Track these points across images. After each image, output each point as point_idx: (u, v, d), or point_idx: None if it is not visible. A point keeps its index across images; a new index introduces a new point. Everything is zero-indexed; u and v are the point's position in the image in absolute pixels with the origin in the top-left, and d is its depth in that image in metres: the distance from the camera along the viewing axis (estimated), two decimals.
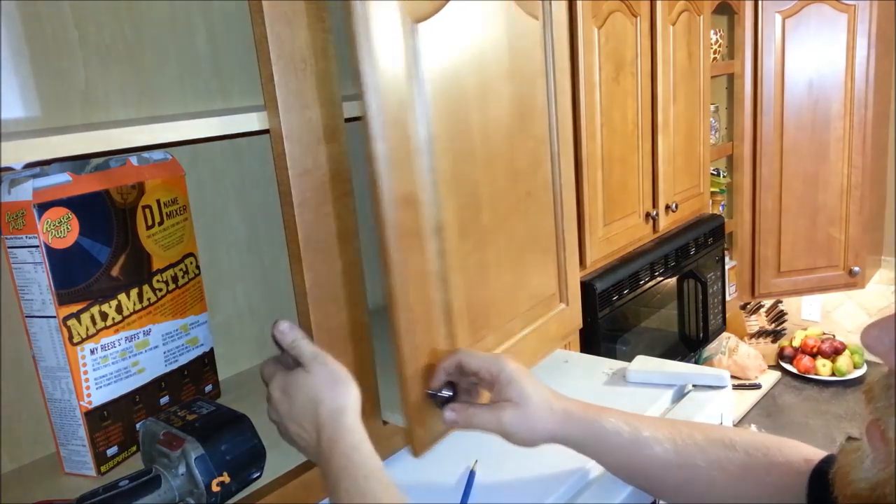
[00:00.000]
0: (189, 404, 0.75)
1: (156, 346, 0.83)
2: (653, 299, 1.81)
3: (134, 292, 0.79)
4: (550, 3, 0.95)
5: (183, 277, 0.86)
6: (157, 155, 0.84)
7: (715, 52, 2.17)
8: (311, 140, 0.73)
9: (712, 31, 2.11)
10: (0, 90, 0.74)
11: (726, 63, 2.21)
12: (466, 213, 0.81)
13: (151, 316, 0.82)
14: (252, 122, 0.72)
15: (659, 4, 1.68)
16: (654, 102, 1.73)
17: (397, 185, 0.70)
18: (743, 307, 2.73)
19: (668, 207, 1.83)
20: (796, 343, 2.69)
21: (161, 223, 0.83)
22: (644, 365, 1.14)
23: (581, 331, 1.54)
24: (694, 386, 1.10)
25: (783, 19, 2.17)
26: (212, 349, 0.92)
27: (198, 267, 0.89)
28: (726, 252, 2.23)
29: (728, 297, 2.26)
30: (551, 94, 0.97)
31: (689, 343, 2.00)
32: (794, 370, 2.61)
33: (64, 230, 0.71)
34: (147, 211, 0.81)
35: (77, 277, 0.73)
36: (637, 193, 1.72)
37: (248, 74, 0.96)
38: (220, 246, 0.98)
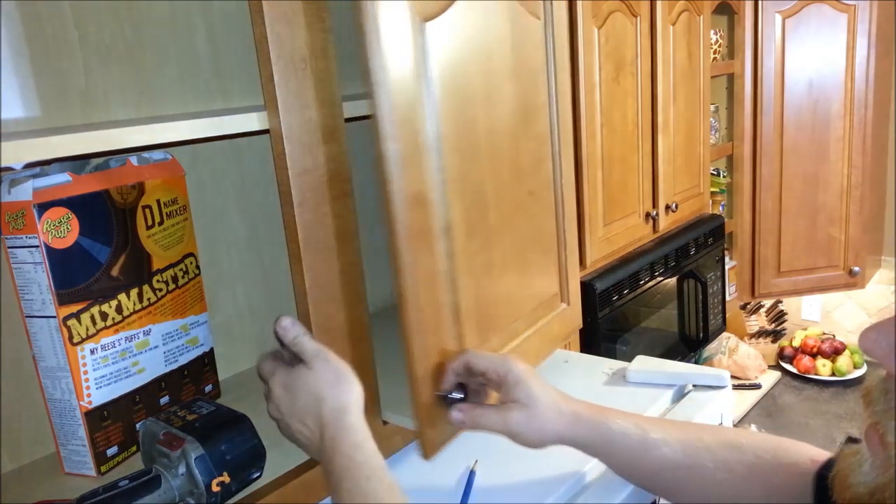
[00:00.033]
0: (189, 404, 0.75)
1: (156, 346, 0.83)
2: (653, 299, 1.81)
3: (134, 292, 0.79)
4: (551, 3, 0.95)
5: (183, 277, 0.86)
6: (157, 155, 0.84)
7: (715, 52, 2.17)
8: (311, 140, 0.73)
9: (712, 31, 2.11)
10: (0, 90, 0.74)
11: (726, 63, 2.21)
12: (473, 212, 0.81)
13: (151, 316, 0.82)
14: (252, 122, 0.72)
15: (659, 4, 1.68)
16: (654, 102, 1.73)
17: (407, 185, 0.69)
18: (743, 307, 2.73)
19: (668, 207, 1.83)
20: (796, 343, 2.69)
21: (161, 223, 0.83)
22: (644, 365, 1.14)
23: (581, 331, 1.54)
24: (694, 386, 1.10)
25: (783, 19, 2.17)
26: (212, 349, 0.92)
27: (198, 267, 0.89)
28: (726, 252, 2.23)
29: (728, 297, 2.26)
30: (552, 93, 0.98)
31: (689, 343, 2.00)
32: (794, 370, 2.61)
33: (64, 230, 0.71)
34: (147, 211, 0.81)
35: (77, 277, 0.73)
36: (637, 193, 1.72)
37: (248, 74, 0.96)
38: (220, 246, 0.98)
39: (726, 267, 2.17)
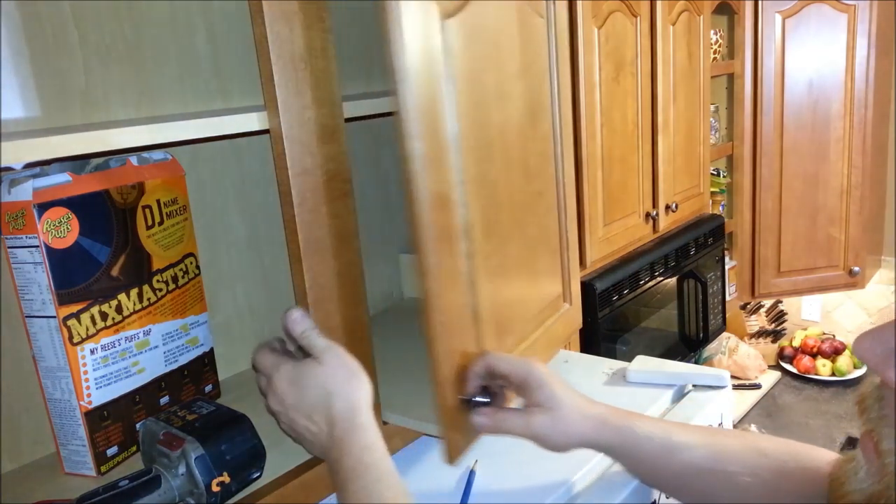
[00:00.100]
0: (189, 404, 0.75)
1: (156, 346, 0.83)
2: (653, 299, 1.81)
3: (134, 292, 0.79)
4: (553, 3, 0.95)
5: (183, 277, 0.86)
6: (157, 155, 0.84)
7: (715, 52, 2.17)
8: (311, 140, 0.73)
9: (712, 31, 2.11)
10: (0, 90, 0.74)
11: (726, 63, 2.21)
12: (489, 213, 0.80)
13: (151, 316, 0.82)
14: (252, 122, 0.72)
15: (659, 4, 1.68)
16: (654, 102, 1.73)
17: (431, 185, 0.67)
18: (743, 307, 2.73)
19: (668, 207, 1.83)
20: (796, 343, 2.69)
21: (161, 223, 0.83)
22: (644, 365, 1.14)
23: (581, 331, 1.54)
24: (694, 386, 1.10)
25: (783, 19, 2.17)
26: (212, 349, 0.92)
27: (198, 267, 0.89)
28: (726, 252, 2.23)
29: (728, 297, 2.26)
30: (555, 93, 0.98)
31: (689, 343, 2.00)
32: (794, 370, 2.62)
33: (64, 230, 0.71)
34: (147, 211, 0.81)
35: (77, 277, 0.73)
36: (637, 193, 1.72)
37: (248, 74, 0.96)
38: (220, 246, 0.98)
39: (726, 267, 2.17)
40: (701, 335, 2.01)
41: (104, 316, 0.76)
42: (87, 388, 0.75)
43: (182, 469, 0.67)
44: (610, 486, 0.87)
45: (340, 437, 0.66)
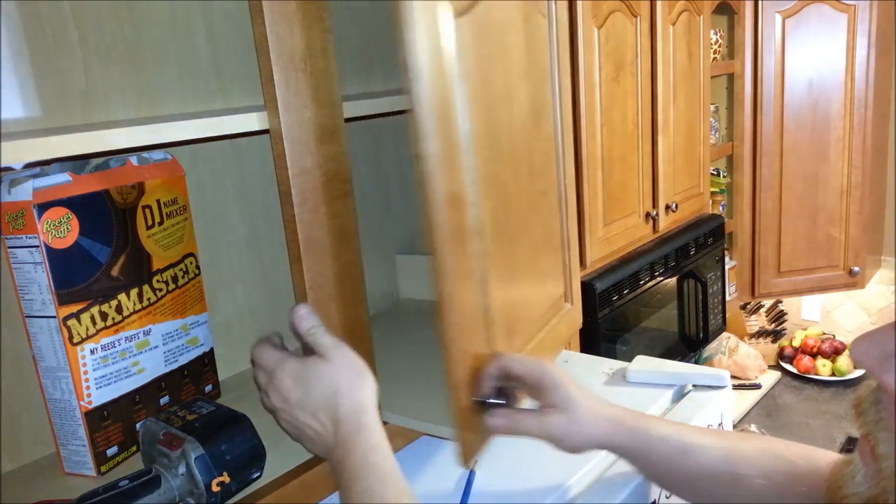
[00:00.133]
0: (189, 404, 0.75)
1: (156, 346, 0.83)
2: (653, 299, 1.81)
3: (134, 292, 0.79)
4: (555, 3, 0.95)
5: (183, 277, 0.86)
6: (157, 155, 0.84)
7: (715, 52, 2.17)
8: (311, 140, 0.73)
9: (712, 31, 2.11)
10: (0, 90, 0.74)
11: (726, 63, 2.21)
12: (498, 213, 0.80)
13: (151, 316, 0.82)
14: (252, 122, 0.72)
15: (659, 4, 1.68)
16: (654, 102, 1.73)
17: (445, 185, 0.67)
18: (743, 307, 2.73)
19: (668, 207, 1.83)
20: (796, 343, 2.69)
21: (161, 223, 0.83)
22: (644, 365, 1.14)
23: (581, 331, 1.54)
24: (694, 386, 1.10)
25: (783, 19, 2.17)
26: (212, 349, 0.92)
27: (198, 267, 0.89)
28: (726, 252, 2.23)
29: (728, 297, 2.26)
30: (556, 93, 0.98)
31: (689, 343, 2.00)
32: (794, 370, 2.62)
33: (64, 230, 0.71)
34: (147, 211, 0.81)
35: (77, 277, 0.73)
36: (637, 193, 1.72)
37: (248, 74, 0.95)
38: (220, 246, 0.98)
39: (726, 267, 2.17)
40: (701, 335, 2.01)
41: (104, 316, 0.76)
42: (87, 388, 0.75)
43: (182, 469, 0.67)
44: (610, 487, 0.87)
45: (346, 436, 0.66)
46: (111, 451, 0.78)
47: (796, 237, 2.32)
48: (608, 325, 1.63)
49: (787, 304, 2.81)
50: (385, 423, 0.85)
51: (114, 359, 0.77)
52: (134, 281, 0.79)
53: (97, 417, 0.76)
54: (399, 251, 1.26)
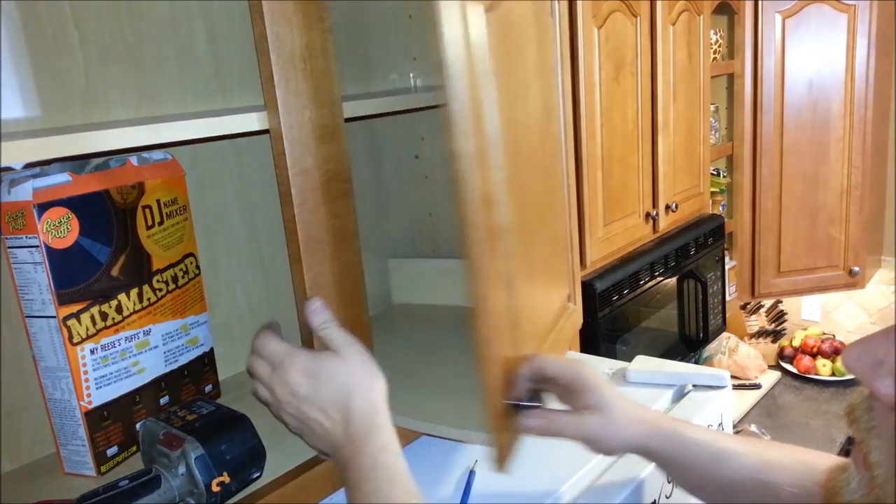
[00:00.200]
0: (189, 404, 0.75)
1: (156, 346, 0.83)
2: (653, 299, 1.81)
3: (134, 292, 0.79)
4: (558, 3, 0.95)
5: (183, 277, 0.86)
6: (157, 155, 0.84)
7: (715, 52, 2.17)
8: (311, 140, 0.73)
9: (712, 31, 2.11)
10: (0, 90, 0.74)
11: (726, 63, 2.21)
12: (520, 213, 0.79)
13: (151, 316, 0.82)
14: (252, 122, 0.72)
15: (659, 4, 1.68)
16: (654, 102, 1.73)
17: (480, 185, 0.65)
18: (743, 307, 2.73)
19: (668, 207, 1.83)
20: (796, 343, 2.69)
21: (161, 223, 0.83)
22: (644, 365, 1.14)
23: (581, 331, 1.54)
24: (694, 386, 1.10)
25: (783, 19, 2.17)
26: (212, 349, 0.92)
27: (198, 267, 0.89)
28: (726, 252, 2.23)
29: (728, 297, 2.26)
30: (558, 92, 0.98)
31: (689, 343, 2.00)
32: (794, 370, 2.61)
33: (64, 230, 0.71)
34: (147, 211, 0.81)
35: (77, 277, 0.73)
36: (637, 193, 1.72)
37: (248, 74, 0.95)
38: (220, 246, 0.98)
39: (726, 267, 2.17)
40: (701, 335, 2.01)
41: (104, 316, 0.76)
42: (87, 388, 0.75)
43: (182, 469, 0.67)
44: (610, 487, 0.87)
45: (356, 434, 0.65)
46: (111, 451, 0.78)
47: (796, 237, 2.32)
48: (608, 325, 1.63)
49: (787, 304, 2.81)
50: None
51: (114, 359, 0.77)
52: (134, 281, 0.79)
53: (97, 417, 0.76)
54: (392, 255, 1.24)
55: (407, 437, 0.88)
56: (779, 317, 2.82)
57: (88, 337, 0.74)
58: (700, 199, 2.02)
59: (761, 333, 2.79)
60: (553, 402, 0.79)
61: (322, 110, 0.74)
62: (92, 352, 0.75)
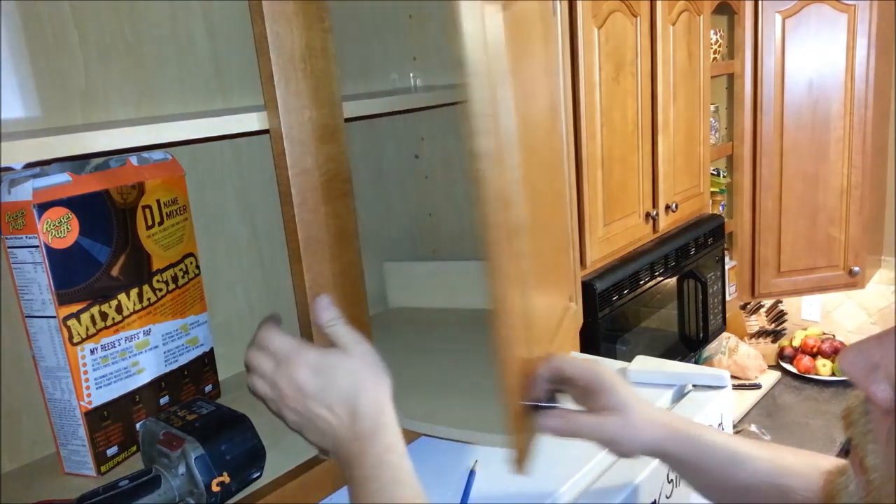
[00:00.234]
0: (189, 404, 0.75)
1: (156, 346, 0.83)
2: (653, 299, 1.81)
3: (134, 292, 0.79)
4: (559, 3, 0.95)
5: (183, 277, 0.86)
6: (157, 155, 0.84)
7: (715, 52, 2.17)
8: (311, 140, 0.73)
9: (712, 31, 2.11)
10: (0, 90, 0.74)
11: (726, 63, 2.21)
12: (531, 212, 0.78)
13: (151, 316, 0.82)
14: (252, 122, 0.72)
15: (659, 4, 1.68)
16: (654, 102, 1.73)
17: (499, 184, 0.65)
18: (743, 307, 2.73)
19: (668, 207, 1.83)
20: (796, 343, 2.69)
21: (161, 223, 0.83)
22: (644, 365, 1.14)
23: (581, 331, 1.54)
24: (694, 386, 1.10)
25: (783, 19, 2.17)
26: (212, 349, 0.92)
27: (198, 267, 0.89)
28: (726, 252, 2.23)
29: (728, 297, 2.26)
30: (561, 92, 0.98)
31: (689, 343, 2.00)
32: (794, 370, 2.61)
33: (64, 230, 0.71)
34: (147, 211, 0.81)
35: (77, 277, 0.73)
36: (637, 193, 1.72)
37: (248, 74, 0.95)
38: (220, 246, 0.98)
39: (726, 267, 2.17)
40: (701, 335, 2.01)
41: (104, 316, 0.76)
42: (87, 388, 0.75)
43: (182, 469, 0.67)
44: (610, 487, 0.87)
45: (363, 433, 0.65)
46: (111, 451, 0.78)
47: (796, 237, 2.32)
48: (608, 325, 1.63)
49: (787, 304, 2.81)
50: None
51: (114, 359, 0.77)
52: (134, 281, 0.79)
53: (97, 417, 0.76)
54: (391, 255, 1.24)
55: (407, 437, 0.88)
56: (779, 317, 2.82)
57: (88, 337, 0.74)
58: (700, 199, 2.02)
59: (761, 333, 2.79)
60: (567, 403, 0.79)
61: (322, 110, 0.74)
62: (92, 352, 0.75)
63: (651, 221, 1.79)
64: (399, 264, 1.23)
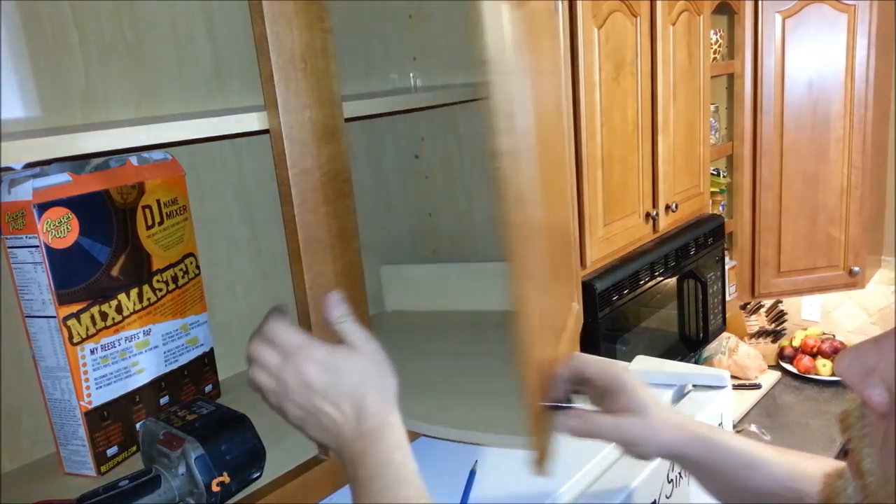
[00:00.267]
0: (189, 404, 0.75)
1: (156, 346, 0.83)
2: (653, 299, 1.81)
3: (134, 292, 0.79)
4: (561, 3, 0.95)
5: (183, 277, 0.86)
6: (157, 155, 0.84)
7: (715, 52, 2.17)
8: (311, 140, 0.73)
9: (712, 31, 2.11)
10: (0, 90, 0.74)
11: (726, 63, 2.21)
12: (545, 211, 0.78)
13: (151, 316, 0.82)
14: (252, 122, 0.72)
15: (659, 4, 1.68)
16: (654, 102, 1.73)
17: (519, 183, 0.65)
18: (743, 307, 2.73)
19: (668, 207, 1.83)
20: (796, 343, 2.69)
21: (161, 223, 0.83)
22: (644, 365, 1.14)
23: (581, 331, 1.54)
24: (694, 386, 1.10)
25: (783, 19, 2.17)
26: (212, 349, 0.92)
27: (198, 267, 0.89)
28: (726, 252, 2.23)
29: (728, 297, 2.26)
30: (563, 91, 0.98)
31: (689, 343, 2.00)
32: (794, 370, 2.61)
33: (64, 230, 0.71)
34: (147, 211, 0.81)
35: (77, 277, 0.73)
36: (637, 193, 1.72)
37: (248, 74, 0.96)
38: (220, 246, 0.98)
39: (726, 267, 2.17)
40: (701, 335, 2.01)
41: (104, 316, 0.76)
42: (87, 388, 0.75)
43: (182, 469, 0.67)
44: (610, 487, 0.87)
45: (369, 431, 0.64)
46: (111, 451, 0.78)
47: (796, 237, 2.32)
48: (608, 325, 1.63)
49: (787, 304, 2.81)
50: None
51: (114, 359, 0.77)
52: (134, 281, 0.79)
53: (97, 417, 0.76)
54: (391, 254, 1.23)
55: (409, 437, 0.88)
56: (779, 317, 2.82)
57: (88, 337, 0.74)
58: (700, 199, 2.02)
59: (761, 333, 2.79)
60: (580, 404, 0.79)
61: (322, 110, 0.74)
62: (92, 352, 0.75)
63: (651, 221, 1.78)
64: (396, 267, 1.22)
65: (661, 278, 1.82)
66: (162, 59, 0.88)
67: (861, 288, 2.38)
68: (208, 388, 0.92)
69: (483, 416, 0.81)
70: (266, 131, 0.72)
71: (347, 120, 0.78)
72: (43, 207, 0.69)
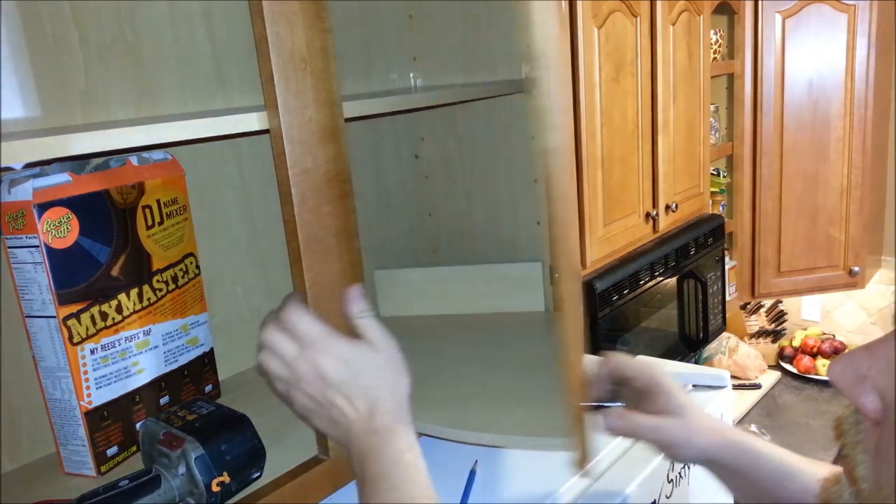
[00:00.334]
0: (189, 404, 0.75)
1: (156, 346, 0.83)
2: (653, 299, 1.81)
3: (134, 292, 0.79)
4: (560, 3, 0.95)
5: (183, 277, 0.86)
6: (157, 155, 0.84)
7: (715, 52, 2.17)
8: (311, 140, 0.73)
9: (712, 31, 2.11)
10: (0, 90, 0.74)
11: (726, 63, 2.21)
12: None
13: (151, 316, 0.82)
14: (252, 122, 0.72)
15: (659, 4, 1.68)
16: (654, 102, 1.73)
17: (563, 180, 0.64)
18: (743, 307, 2.73)
19: (668, 207, 1.83)
20: (796, 343, 2.69)
21: (161, 223, 0.83)
22: None
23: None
24: (694, 386, 1.10)
25: (783, 19, 2.17)
26: (212, 349, 0.92)
27: (198, 267, 0.89)
28: (726, 252, 2.23)
29: (728, 297, 2.26)
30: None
31: (689, 343, 2.00)
32: (794, 370, 2.61)
33: (64, 230, 0.71)
34: (147, 211, 0.81)
35: (77, 277, 0.73)
36: (637, 193, 1.72)
37: (248, 74, 0.96)
38: (220, 246, 0.98)
39: (726, 267, 2.17)
40: (701, 335, 2.01)
41: (104, 316, 0.76)
42: (87, 388, 0.75)
43: (182, 469, 0.67)
44: (610, 488, 0.87)
45: (381, 429, 0.64)
46: (111, 451, 0.78)
47: (796, 237, 2.32)
48: (608, 325, 1.63)
49: (787, 304, 2.81)
50: None
51: (114, 359, 0.77)
52: (134, 281, 0.79)
53: (97, 417, 0.76)
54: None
55: None
56: (779, 317, 2.82)
57: (88, 337, 0.74)
58: (700, 199, 2.02)
59: (761, 333, 2.79)
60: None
61: (322, 110, 0.74)
62: (92, 352, 0.75)
63: (651, 221, 1.78)
64: (389, 272, 1.21)
65: (661, 278, 1.82)
66: (162, 59, 0.88)
67: (861, 288, 2.38)
68: (208, 388, 0.92)
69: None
70: (266, 131, 0.72)
71: (347, 120, 0.78)
72: (43, 207, 0.69)
